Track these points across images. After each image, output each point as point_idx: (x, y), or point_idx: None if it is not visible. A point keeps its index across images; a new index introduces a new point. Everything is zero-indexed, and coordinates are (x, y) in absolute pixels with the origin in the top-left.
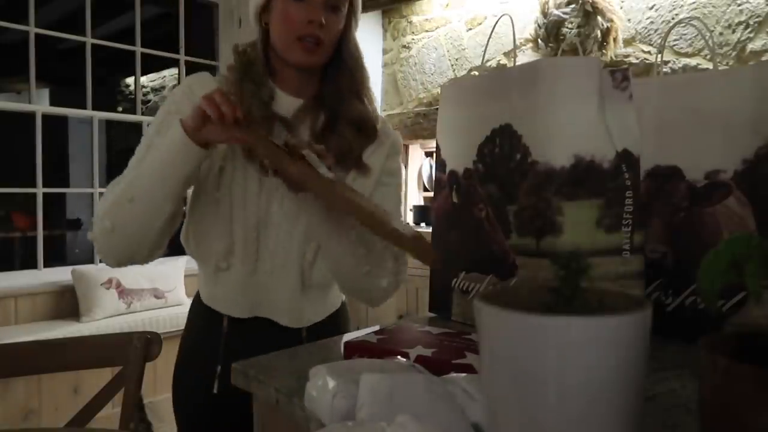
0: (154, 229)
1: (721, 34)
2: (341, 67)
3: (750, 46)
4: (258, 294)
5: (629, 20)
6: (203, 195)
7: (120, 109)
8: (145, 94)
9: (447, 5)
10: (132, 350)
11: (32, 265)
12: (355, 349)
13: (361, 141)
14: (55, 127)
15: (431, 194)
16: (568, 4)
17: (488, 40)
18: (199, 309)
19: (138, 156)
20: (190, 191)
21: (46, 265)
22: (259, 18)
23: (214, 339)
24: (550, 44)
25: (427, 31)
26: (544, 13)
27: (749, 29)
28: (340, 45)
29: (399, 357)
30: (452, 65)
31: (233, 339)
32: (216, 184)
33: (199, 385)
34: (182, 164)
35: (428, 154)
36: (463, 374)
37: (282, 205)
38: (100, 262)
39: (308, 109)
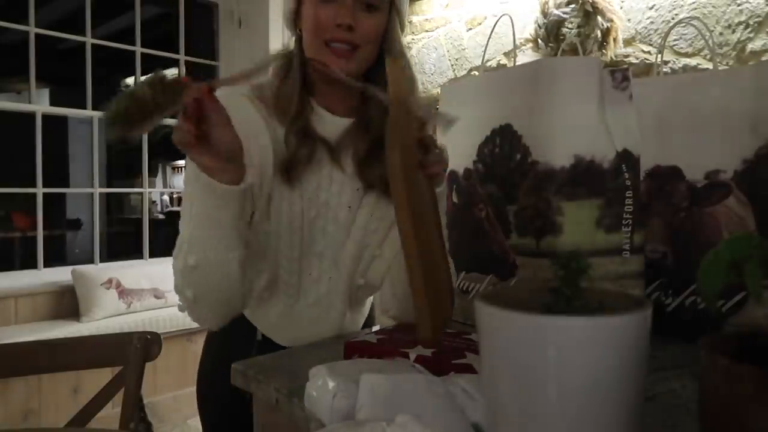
0: (233, 280)
1: (721, 34)
2: (385, 77)
3: (750, 46)
4: (300, 324)
5: (629, 20)
6: (255, 226)
7: None
8: None
9: (447, 5)
10: (132, 350)
11: (32, 265)
12: (355, 349)
13: None
14: (55, 127)
15: None
16: (568, 4)
17: (488, 40)
18: None
19: (186, 210)
20: None
21: (46, 265)
22: (294, 24)
23: (248, 341)
24: (550, 44)
25: (427, 31)
26: (544, 13)
27: (749, 29)
28: (383, 49)
29: (399, 357)
30: (452, 65)
31: (268, 343)
32: (267, 214)
33: (228, 383)
34: (225, 210)
35: None
36: (464, 374)
37: (325, 233)
38: (101, 261)
39: (352, 132)
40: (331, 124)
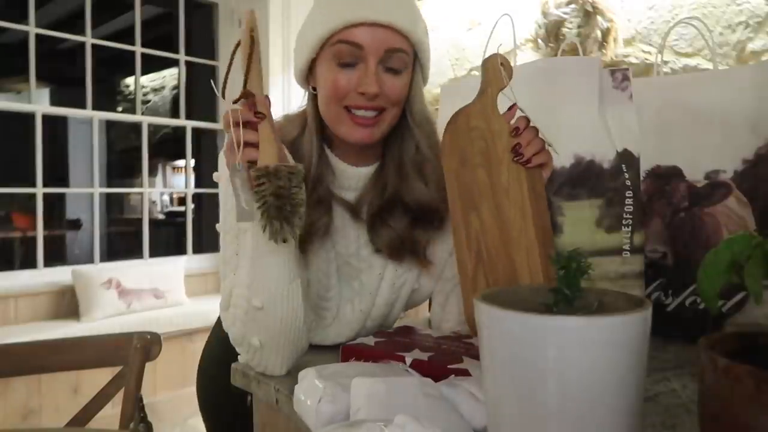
0: (299, 312)
1: (721, 34)
2: (405, 137)
3: (750, 46)
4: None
5: (629, 20)
6: None
7: (120, 109)
8: (145, 94)
9: (447, 5)
10: (132, 350)
11: (32, 265)
12: (351, 353)
13: (421, 231)
14: (55, 127)
15: None
16: (568, 4)
17: (488, 40)
18: None
19: (229, 255)
20: None
21: (46, 265)
22: (306, 81)
23: None
24: (550, 44)
25: None
26: (544, 13)
27: (749, 29)
28: (405, 108)
29: (394, 361)
30: (452, 65)
31: None
32: (305, 259)
33: (230, 384)
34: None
35: None
36: (468, 377)
37: (360, 282)
38: (100, 261)
39: (370, 191)
40: (352, 177)
